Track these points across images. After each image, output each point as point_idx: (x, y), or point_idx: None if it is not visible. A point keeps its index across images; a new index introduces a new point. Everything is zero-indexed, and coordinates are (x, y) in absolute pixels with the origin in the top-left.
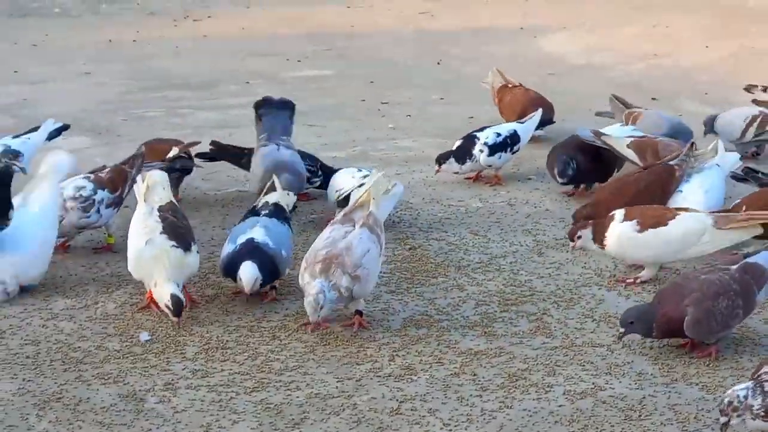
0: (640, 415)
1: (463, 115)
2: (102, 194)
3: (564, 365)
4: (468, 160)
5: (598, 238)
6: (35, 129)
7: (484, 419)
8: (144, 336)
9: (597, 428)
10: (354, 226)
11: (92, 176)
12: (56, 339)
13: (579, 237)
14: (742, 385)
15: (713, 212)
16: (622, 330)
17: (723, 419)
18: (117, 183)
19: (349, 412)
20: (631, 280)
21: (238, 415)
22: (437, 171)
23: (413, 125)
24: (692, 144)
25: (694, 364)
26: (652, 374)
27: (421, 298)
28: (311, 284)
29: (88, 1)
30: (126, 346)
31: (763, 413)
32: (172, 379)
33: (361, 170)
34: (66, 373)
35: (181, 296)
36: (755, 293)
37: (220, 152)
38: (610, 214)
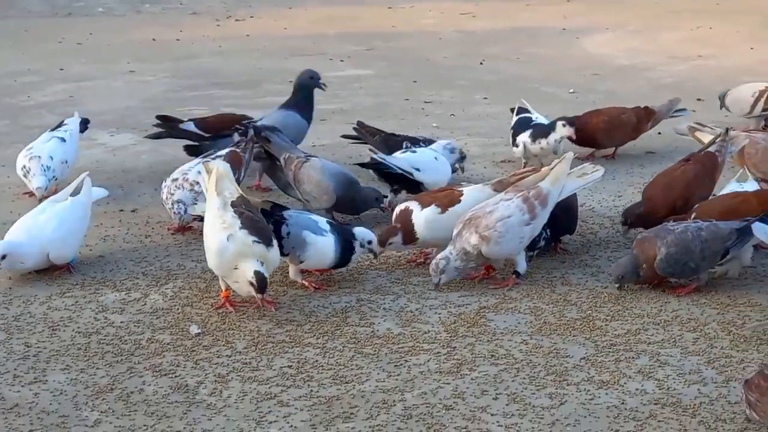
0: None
1: (507, 114)
2: None
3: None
4: None
5: (408, 238)
6: (60, 125)
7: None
8: (194, 329)
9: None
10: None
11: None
12: (107, 332)
13: (390, 243)
14: None
15: (489, 182)
16: (617, 285)
17: None
18: (234, 167)
19: (400, 407)
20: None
21: (288, 408)
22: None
23: (457, 124)
24: (727, 130)
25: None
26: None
27: (472, 296)
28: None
29: (131, 0)
30: (176, 338)
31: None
32: (223, 372)
33: None
34: (118, 364)
35: (265, 273)
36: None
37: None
38: (405, 208)
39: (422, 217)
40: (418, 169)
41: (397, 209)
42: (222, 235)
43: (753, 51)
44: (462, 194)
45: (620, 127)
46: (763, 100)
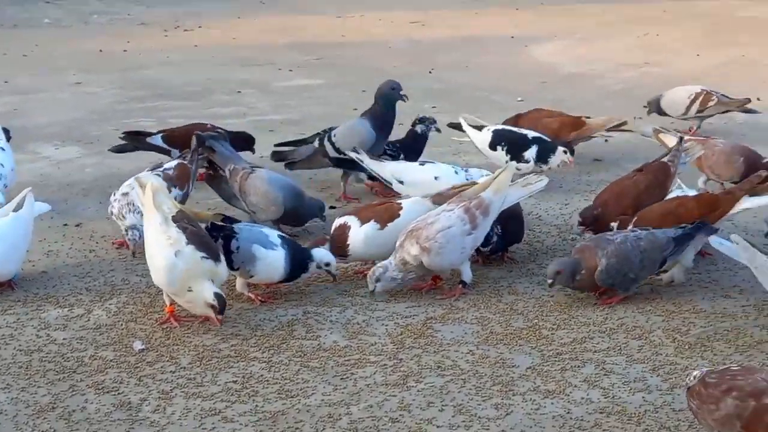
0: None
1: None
2: (175, 192)
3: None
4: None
5: (339, 249)
6: None
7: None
8: (138, 345)
9: None
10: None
11: (162, 174)
12: (49, 349)
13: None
14: None
15: (428, 195)
16: (550, 281)
17: None
18: (183, 180)
19: (345, 420)
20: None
21: (232, 424)
22: None
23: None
24: (681, 139)
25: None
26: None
27: (419, 306)
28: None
29: (78, 11)
30: (120, 355)
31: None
32: (167, 388)
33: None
34: (59, 382)
35: (222, 294)
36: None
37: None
38: (343, 224)
39: (361, 234)
40: (401, 182)
41: (336, 223)
42: (169, 251)
43: (699, 57)
44: (401, 207)
45: (542, 126)
46: (698, 102)
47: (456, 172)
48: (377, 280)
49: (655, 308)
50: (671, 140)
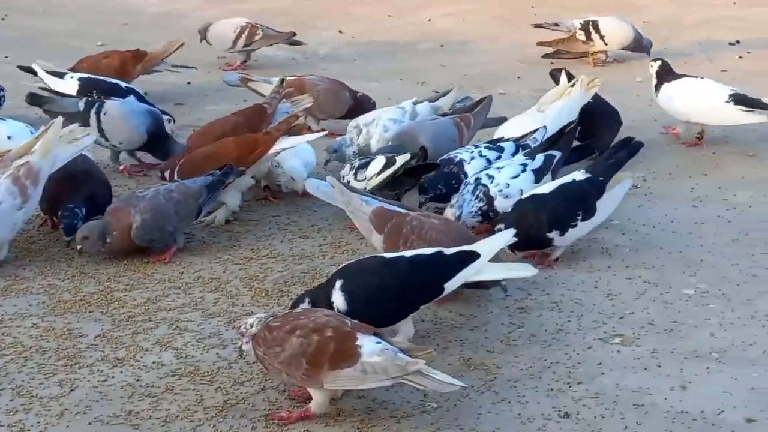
0: None
1: None
2: None
3: None
4: None
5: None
6: None
7: None
8: None
9: None
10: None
11: None
12: None
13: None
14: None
15: None
16: (79, 247)
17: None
18: None
19: None
20: None
21: None
22: None
23: None
24: (282, 81)
25: None
26: None
27: None
28: None
29: None
30: None
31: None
32: None
33: None
34: None
35: None
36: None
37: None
38: None
39: None
40: None
41: None
42: None
43: None
44: None
45: (105, 68)
46: (244, 36)
47: (32, 132)
48: None
49: (233, 257)
50: (263, 87)
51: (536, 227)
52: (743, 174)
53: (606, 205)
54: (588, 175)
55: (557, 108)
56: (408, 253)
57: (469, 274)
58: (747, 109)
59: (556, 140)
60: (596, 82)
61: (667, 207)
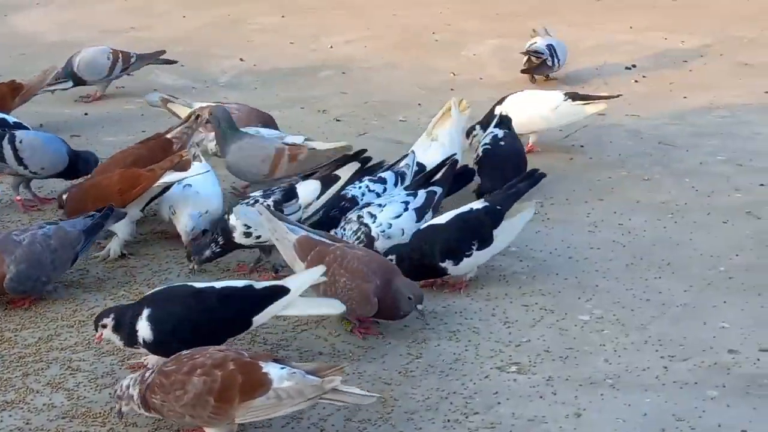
0: None
1: None
2: None
3: None
4: None
5: None
6: None
7: None
8: None
9: None
10: None
11: None
12: None
13: None
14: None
15: None
16: None
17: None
18: None
19: None
20: None
21: None
22: None
23: None
24: (197, 116)
25: None
26: None
27: None
28: None
29: None
30: None
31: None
32: None
33: None
34: None
35: None
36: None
37: None
38: None
39: None
40: None
41: None
42: None
43: (185, 19)
44: None
45: None
46: (120, 61)
47: None
48: None
49: (128, 292)
50: (183, 110)
51: (429, 257)
52: (638, 198)
53: (505, 234)
54: (486, 204)
55: (447, 133)
56: (218, 285)
57: (278, 308)
58: (584, 102)
59: (435, 173)
60: (464, 104)
61: (564, 232)
